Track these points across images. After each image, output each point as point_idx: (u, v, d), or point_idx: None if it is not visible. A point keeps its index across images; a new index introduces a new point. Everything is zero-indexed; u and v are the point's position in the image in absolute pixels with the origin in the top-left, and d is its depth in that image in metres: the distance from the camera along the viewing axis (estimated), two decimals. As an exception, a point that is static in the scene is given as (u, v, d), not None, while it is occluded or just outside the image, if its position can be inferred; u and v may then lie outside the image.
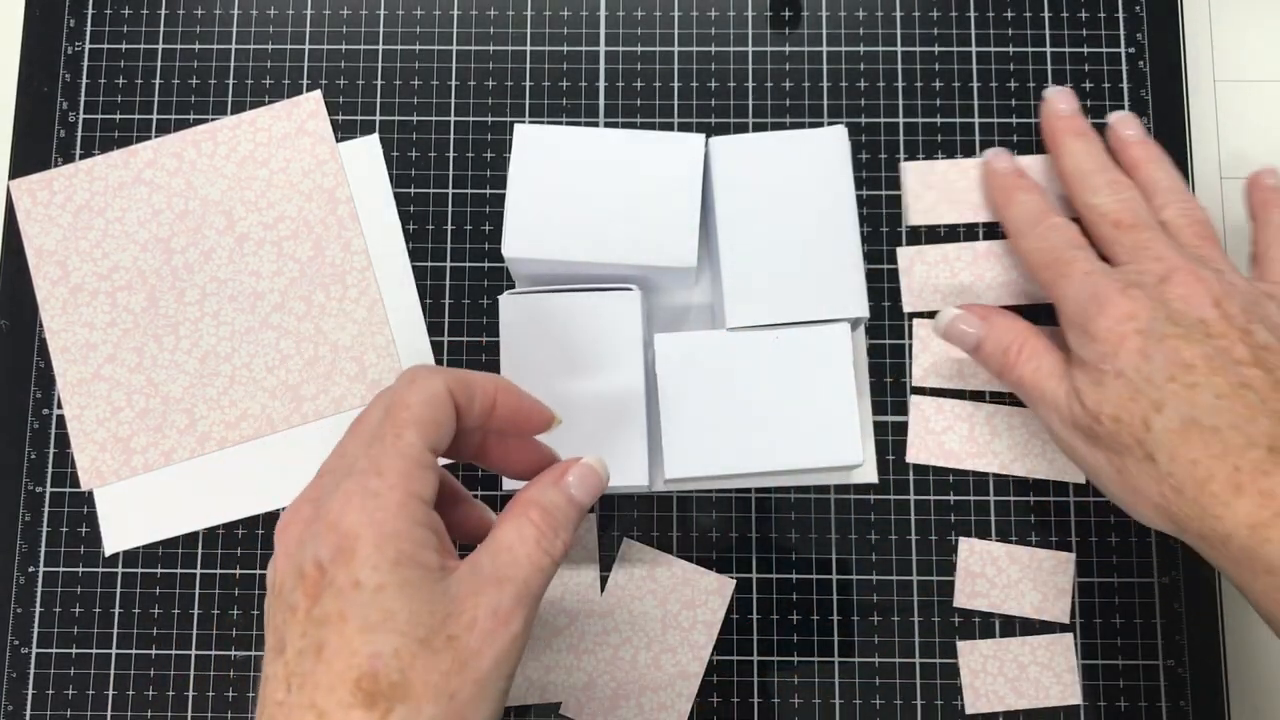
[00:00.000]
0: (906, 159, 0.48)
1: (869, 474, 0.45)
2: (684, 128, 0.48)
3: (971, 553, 0.45)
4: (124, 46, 0.49)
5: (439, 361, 0.46)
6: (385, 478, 0.30)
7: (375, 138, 0.48)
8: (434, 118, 0.48)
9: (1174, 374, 0.36)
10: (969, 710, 0.44)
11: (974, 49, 0.49)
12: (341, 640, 0.28)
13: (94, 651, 0.45)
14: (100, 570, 0.45)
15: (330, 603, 0.28)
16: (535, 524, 0.31)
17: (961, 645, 0.44)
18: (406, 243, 0.47)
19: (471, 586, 0.30)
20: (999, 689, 0.44)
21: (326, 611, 0.28)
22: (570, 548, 0.33)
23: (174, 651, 0.45)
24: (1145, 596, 0.45)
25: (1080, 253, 0.40)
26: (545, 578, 0.31)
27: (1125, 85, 0.48)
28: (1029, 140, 0.48)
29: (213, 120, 0.48)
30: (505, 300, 0.40)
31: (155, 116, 0.49)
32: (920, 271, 0.47)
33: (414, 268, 0.47)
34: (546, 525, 0.32)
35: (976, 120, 0.48)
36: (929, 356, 0.46)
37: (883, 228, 0.47)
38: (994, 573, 0.45)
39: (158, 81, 0.49)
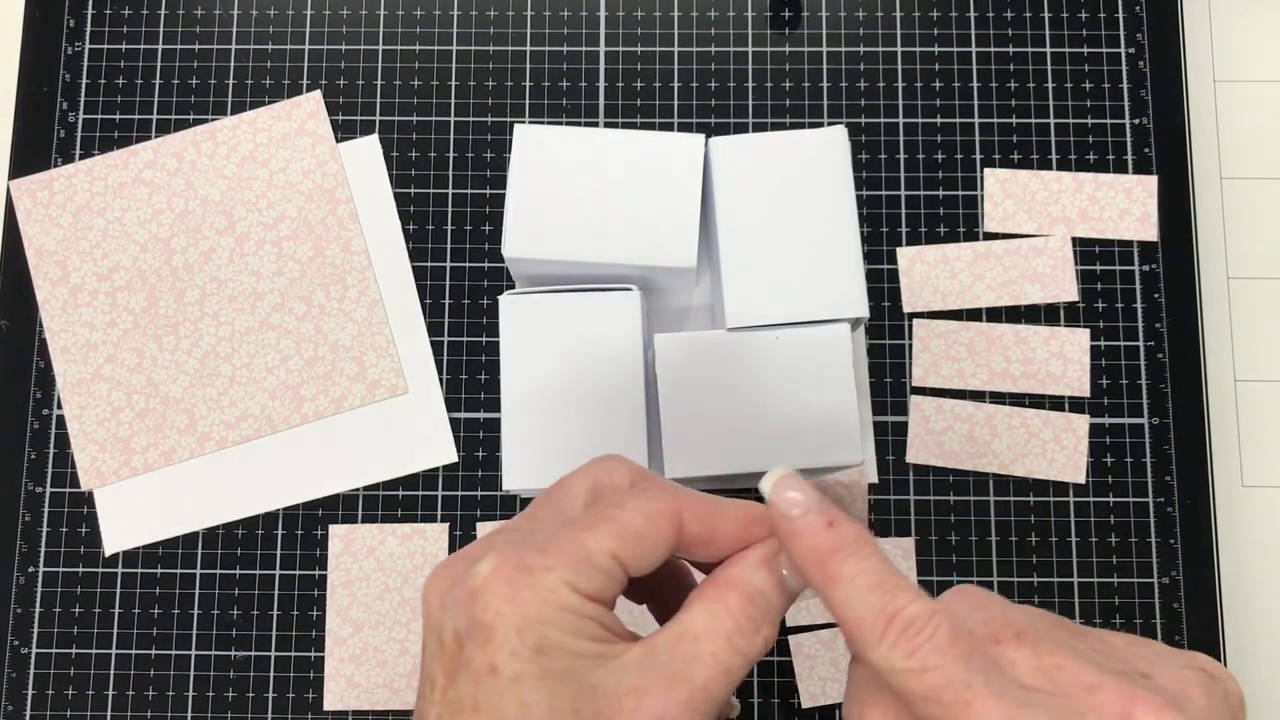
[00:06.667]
0: (982, 159, 0.48)
1: (869, 474, 0.45)
2: (684, 128, 0.48)
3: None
4: (124, 46, 0.49)
5: (438, 361, 0.46)
6: (547, 556, 0.25)
7: (375, 138, 0.48)
8: (434, 118, 0.48)
9: None
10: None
11: (974, 49, 0.49)
12: None
13: (94, 651, 0.45)
14: (100, 570, 0.45)
15: (465, 687, 0.25)
16: (733, 613, 0.25)
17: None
18: (406, 243, 0.47)
19: (637, 680, 0.25)
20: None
21: (460, 696, 0.25)
22: (770, 645, 0.26)
23: (174, 651, 0.45)
24: (1145, 596, 0.45)
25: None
26: (731, 682, 0.25)
27: (1125, 85, 0.48)
28: (1029, 141, 0.48)
29: (213, 120, 0.48)
30: (505, 300, 0.40)
31: (155, 116, 0.49)
32: (920, 271, 0.47)
33: (414, 268, 0.47)
34: (746, 616, 0.25)
35: (976, 120, 0.48)
36: (929, 356, 0.46)
37: (883, 228, 0.47)
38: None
39: (158, 81, 0.49)
